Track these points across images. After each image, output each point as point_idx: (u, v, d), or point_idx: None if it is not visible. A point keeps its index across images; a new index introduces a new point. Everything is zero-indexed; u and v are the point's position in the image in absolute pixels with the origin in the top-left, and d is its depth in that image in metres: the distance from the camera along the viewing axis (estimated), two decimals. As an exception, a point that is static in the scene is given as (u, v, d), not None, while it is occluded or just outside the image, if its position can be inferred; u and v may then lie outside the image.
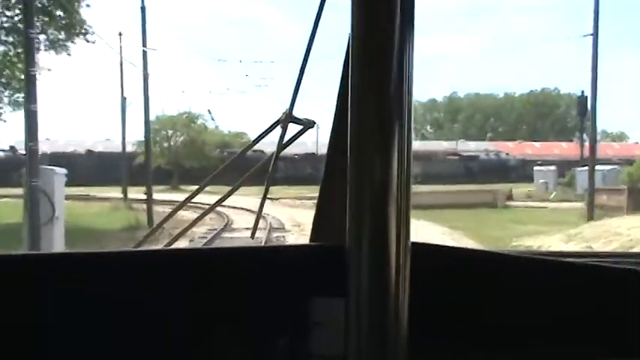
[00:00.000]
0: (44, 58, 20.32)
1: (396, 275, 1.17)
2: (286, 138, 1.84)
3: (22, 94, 16.18)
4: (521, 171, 48.16)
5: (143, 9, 23.12)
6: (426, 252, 1.40)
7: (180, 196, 26.11)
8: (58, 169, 14.21)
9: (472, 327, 1.47)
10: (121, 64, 30.90)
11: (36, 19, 15.31)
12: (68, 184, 15.15)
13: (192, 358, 1.45)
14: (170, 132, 43.44)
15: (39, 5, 18.23)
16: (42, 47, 19.87)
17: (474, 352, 1.48)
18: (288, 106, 1.80)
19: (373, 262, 1.18)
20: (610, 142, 62.85)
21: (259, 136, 1.94)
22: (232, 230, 18.46)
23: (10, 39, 19.50)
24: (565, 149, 55.59)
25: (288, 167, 38.47)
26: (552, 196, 33.93)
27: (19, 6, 13.79)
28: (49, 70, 21.75)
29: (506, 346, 1.49)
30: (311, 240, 1.58)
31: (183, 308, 1.44)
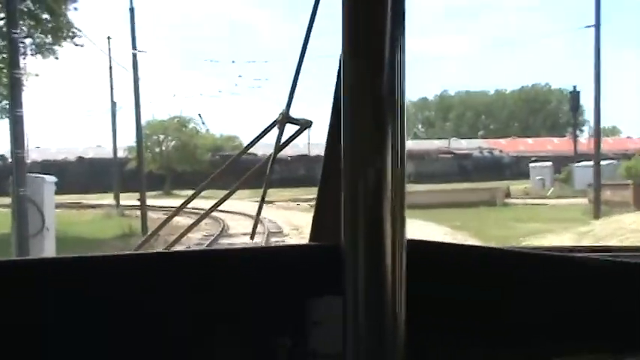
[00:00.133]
0: (31, 62, 19.88)
1: (392, 272, 1.17)
2: (283, 139, 1.85)
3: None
4: (515, 168, 48.41)
5: (132, 10, 22.57)
6: (422, 249, 1.43)
7: (173, 202, 25.91)
8: (47, 177, 13.75)
9: (470, 323, 1.48)
10: (110, 69, 30.67)
11: (22, 22, 14.79)
12: (59, 191, 14.85)
13: (192, 358, 1.47)
14: (161, 137, 43.44)
15: (25, 9, 17.77)
16: (28, 52, 19.46)
17: (472, 349, 1.49)
18: (282, 107, 1.81)
19: (369, 259, 1.18)
20: (603, 136, 62.95)
21: (256, 137, 1.95)
22: (229, 236, 18.05)
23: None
24: (557, 145, 55.89)
25: (282, 169, 38.20)
26: (550, 192, 33.66)
27: (0, 6, 13.12)
28: (36, 75, 21.33)
29: (505, 342, 1.50)
30: (310, 240, 1.61)
31: (183, 309, 1.46)
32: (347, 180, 1.20)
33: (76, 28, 20.31)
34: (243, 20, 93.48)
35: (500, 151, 54.27)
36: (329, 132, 1.54)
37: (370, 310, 1.20)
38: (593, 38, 21.78)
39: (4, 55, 16.66)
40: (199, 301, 1.45)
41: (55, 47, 20.46)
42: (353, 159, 1.19)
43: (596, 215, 20.80)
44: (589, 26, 22.28)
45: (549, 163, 39.30)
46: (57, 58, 20.71)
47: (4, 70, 17.26)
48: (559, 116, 77.04)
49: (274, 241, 16.39)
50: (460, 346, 1.48)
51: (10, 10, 12.18)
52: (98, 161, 42.88)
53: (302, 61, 1.76)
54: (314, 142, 40.58)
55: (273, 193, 29.13)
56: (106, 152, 37.32)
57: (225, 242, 16.72)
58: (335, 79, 1.50)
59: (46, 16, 19.53)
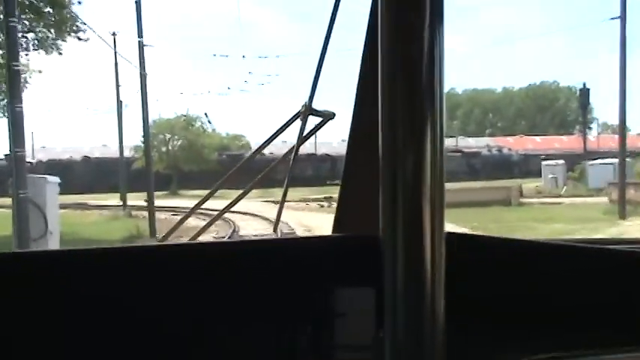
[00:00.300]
0: (34, 59, 19.34)
1: (431, 265, 1.16)
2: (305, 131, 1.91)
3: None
4: (524, 166, 48.22)
5: (138, 3, 21.92)
6: (461, 241, 1.47)
7: (180, 202, 25.46)
8: (50, 178, 13.23)
9: (511, 317, 1.51)
10: (116, 66, 30.07)
11: (23, 16, 14.17)
12: (64, 192, 14.42)
13: (217, 348, 1.52)
14: (168, 136, 43.33)
15: (26, 2, 17.15)
16: (30, 47, 18.87)
17: (512, 342, 1.51)
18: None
19: (408, 251, 1.17)
20: (611, 134, 62.69)
21: (278, 130, 1.98)
22: (241, 238, 17.52)
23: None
24: (566, 143, 55.76)
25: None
26: (563, 191, 33.04)
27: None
28: (39, 72, 20.77)
29: (547, 334, 1.50)
30: (334, 231, 1.67)
31: (209, 300, 1.51)
32: (385, 172, 1.17)
33: (80, 22, 19.68)
34: (249, 18, 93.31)
35: (509, 149, 53.95)
36: (352, 123, 1.57)
37: (409, 303, 1.17)
38: (619, 30, 21.03)
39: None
40: (225, 291, 1.52)
41: (59, 42, 19.85)
42: (391, 151, 1.15)
43: (622, 215, 20.16)
44: (614, 18, 21.57)
45: (562, 161, 38.71)
46: (61, 53, 20.14)
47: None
48: (567, 114, 76.87)
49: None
50: (501, 338, 1.51)
51: (8, -3, 11.37)
52: (104, 161, 43.09)
53: (324, 53, 1.80)
54: (320, 141, 40.30)
55: (281, 194, 28.66)
56: (112, 152, 37.64)
57: (236, 245, 16.22)
58: (357, 74, 1.53)
59: (48, 9, 18.89)
